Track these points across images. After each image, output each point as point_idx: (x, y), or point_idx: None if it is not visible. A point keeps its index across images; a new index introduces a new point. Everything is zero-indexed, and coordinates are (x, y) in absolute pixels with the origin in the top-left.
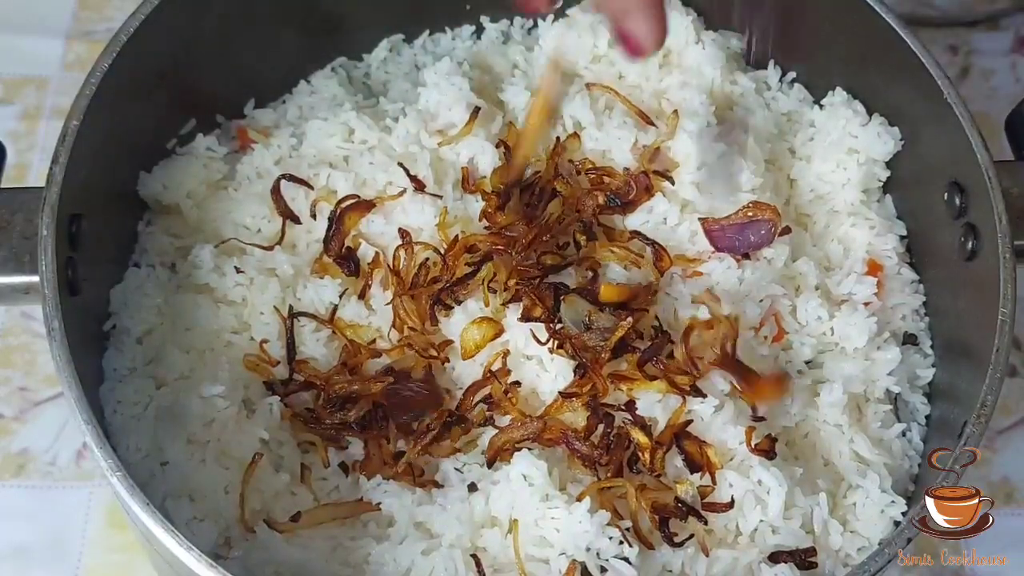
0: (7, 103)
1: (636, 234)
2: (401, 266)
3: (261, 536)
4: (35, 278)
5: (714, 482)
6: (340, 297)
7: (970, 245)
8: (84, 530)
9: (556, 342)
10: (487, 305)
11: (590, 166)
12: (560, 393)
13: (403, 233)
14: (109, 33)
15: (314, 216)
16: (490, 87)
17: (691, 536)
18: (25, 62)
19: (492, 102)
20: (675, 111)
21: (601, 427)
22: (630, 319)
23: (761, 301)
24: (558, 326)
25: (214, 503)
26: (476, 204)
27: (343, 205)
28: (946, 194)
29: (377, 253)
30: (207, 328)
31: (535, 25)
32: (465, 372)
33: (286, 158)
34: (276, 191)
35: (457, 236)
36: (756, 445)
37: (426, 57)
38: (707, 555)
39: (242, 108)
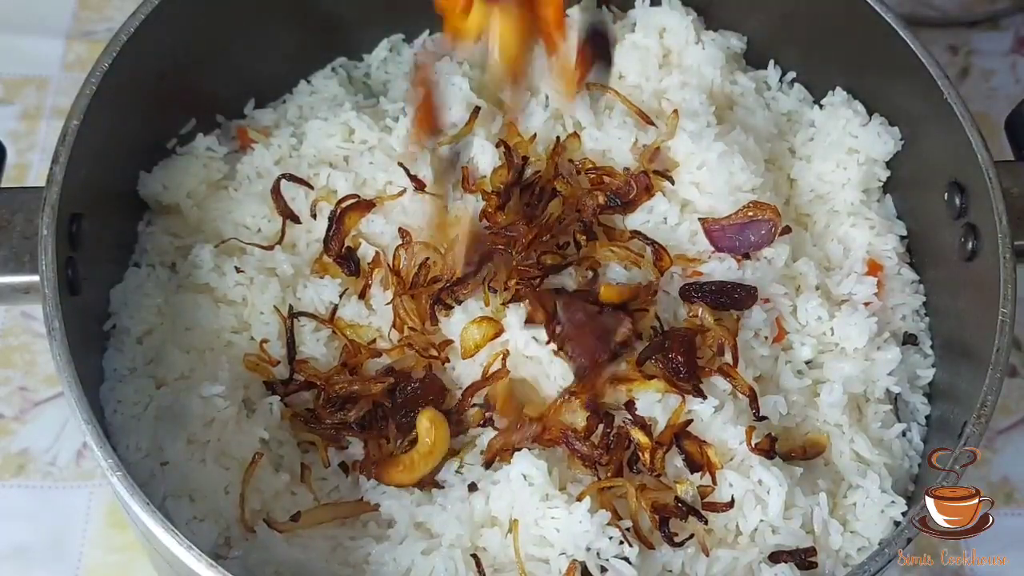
0: (7, 103)
1: (636, 234)
2: (402, 266)
3: (261, 536)
4: (35, 278)
5: (714, 482)
6: (340, 297)
7: (970, 245)
8: (84, 530)
9: (556, 344)
10: (487, 305)
11: (590, 166)
12: (560, 391)
13: (403, 233)
14: (109, 33)
15: (314, 216)
16: (490, 87)
17: (691, 536)
18: (25, 62)
19: (492, 102)
20: (675, 111)
21: (601, 427)
22: (630, 324)
23: (766, 302)
24: (559, 329)
25: (214, 503)
26: (476, 204)
27: (343, 205)
28: (946, 194)
29: (377, 253)
30: (207, 328)
31: None
32: (465, 372)
33: (286, 158)
34: (276, 191)
35: (457, 236)
36: (756, 445)
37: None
38: (707, 555)
39: (242, 108)
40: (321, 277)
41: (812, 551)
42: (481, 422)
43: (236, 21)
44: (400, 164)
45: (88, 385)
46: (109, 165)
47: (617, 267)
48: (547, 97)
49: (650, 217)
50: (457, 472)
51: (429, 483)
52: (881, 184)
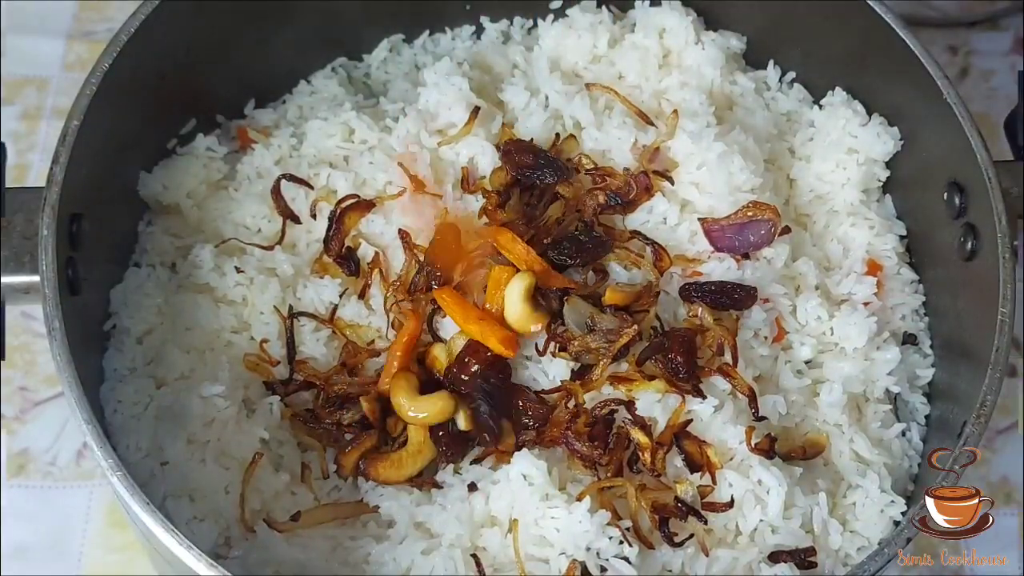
0: (8, 103)
1: (636, 234)
2: (400, 269)
3: (261, 536)
4: (35, 278)
5: (714, 482)
6: (340, 297)
7: (969, 245)
8: (84, 530)
9: (558, 345)
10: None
11: (590, 164)
12: (559, 384)
13: (403, 233)
14: (109, 33)
15: (314, 216)
16: (490, 87)
17: (691, 536)
18: (25, 62)
19: (492, 102)
20: (675, 111)
21: (601, 427)
22: (635, 327)
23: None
24: (560, 329)
25: (214, 503)
26: (476, 204)
27: (343, 205)
28: (946, 194)
29: (377, 253)
30: (207, 328)
31: (535, 25)
32: None
33: (286, 158)
34: (276, 191)
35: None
36: (756, 445)
37: (426, 57)
38: (707, 555)
39: (242, 108)
40: (321, 277)
41: (812, 551)
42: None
43: (236, 21)
44: (400, 164)
45: (88, 385)
46: (109, 165)
47: (617, 267)
48: (547, 97)
49: (650, 217)
50: (456, 472)
51: (429, 483)
52: (881, 184)
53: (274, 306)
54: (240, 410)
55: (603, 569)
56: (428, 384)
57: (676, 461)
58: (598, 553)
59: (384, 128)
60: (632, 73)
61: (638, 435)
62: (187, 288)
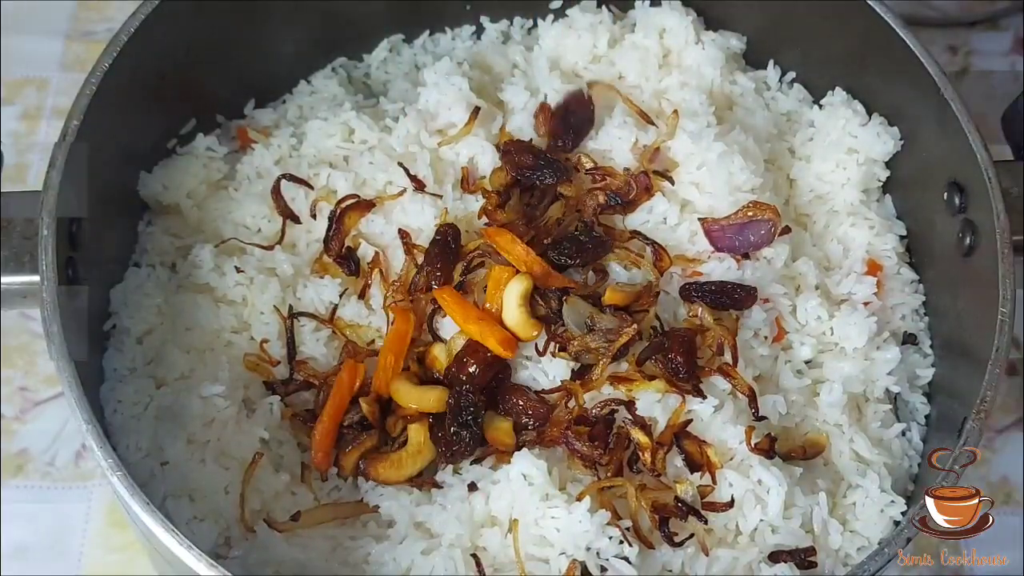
0: (8, 103)
1: (636, 234)
2: (400, 269)
3: (261, 536)
4: (35, 278)
5: (714, 482)
6: (340, 297)
7: (968, 241)
8: (84, 530)
9: (558, 345)
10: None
11: (590, 164)
12: (559, 384)
13: (403, 233)
14: (109, 33)
15: (314, 216)
16: (490, 87)
17: (691, 536)
18: (25, 62)
19: (492, 102)
20: (675, 111)
21: (601, 427)
22: (635, 326)
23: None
24: (560, 329)
25: (214, 503)
26: (476, 204)
27: (343, 205)
28: (946, 194)
29: (377, 253)
30: (207, 328)
31: (535, 25)
32: None
33: (286, 158)
34: (276, 191)
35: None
36: (756, 445)
37: (426, 57)
38: (707, 555)
39: (242, 108)
40: (321, 277)
41: (812, 551)
42: None
43: (236, 21)
44: (400, 164)
45: (88, 385)
46: (109, 165)
47: (617, 267)
48: (546, 96)
49: (650, 217)
50: (456, 472)
51: (429, 483)
52: (881, 184)
53: (274, 306)
54: (240, 410)
55: (603, 569)
56: (428, 384)
57: (676, 461)
58: (598, 553)
59: (384, 128)
60: (632, 73)
61: (638, 435)
62: (187, 288)
